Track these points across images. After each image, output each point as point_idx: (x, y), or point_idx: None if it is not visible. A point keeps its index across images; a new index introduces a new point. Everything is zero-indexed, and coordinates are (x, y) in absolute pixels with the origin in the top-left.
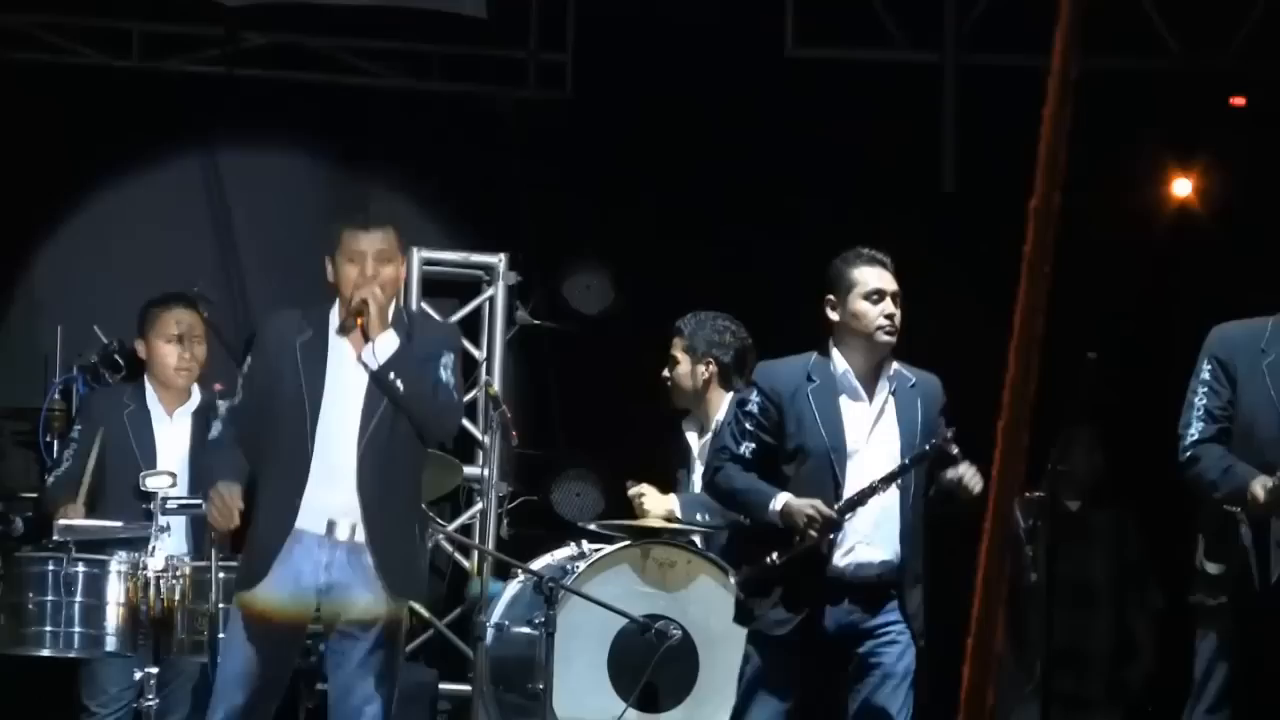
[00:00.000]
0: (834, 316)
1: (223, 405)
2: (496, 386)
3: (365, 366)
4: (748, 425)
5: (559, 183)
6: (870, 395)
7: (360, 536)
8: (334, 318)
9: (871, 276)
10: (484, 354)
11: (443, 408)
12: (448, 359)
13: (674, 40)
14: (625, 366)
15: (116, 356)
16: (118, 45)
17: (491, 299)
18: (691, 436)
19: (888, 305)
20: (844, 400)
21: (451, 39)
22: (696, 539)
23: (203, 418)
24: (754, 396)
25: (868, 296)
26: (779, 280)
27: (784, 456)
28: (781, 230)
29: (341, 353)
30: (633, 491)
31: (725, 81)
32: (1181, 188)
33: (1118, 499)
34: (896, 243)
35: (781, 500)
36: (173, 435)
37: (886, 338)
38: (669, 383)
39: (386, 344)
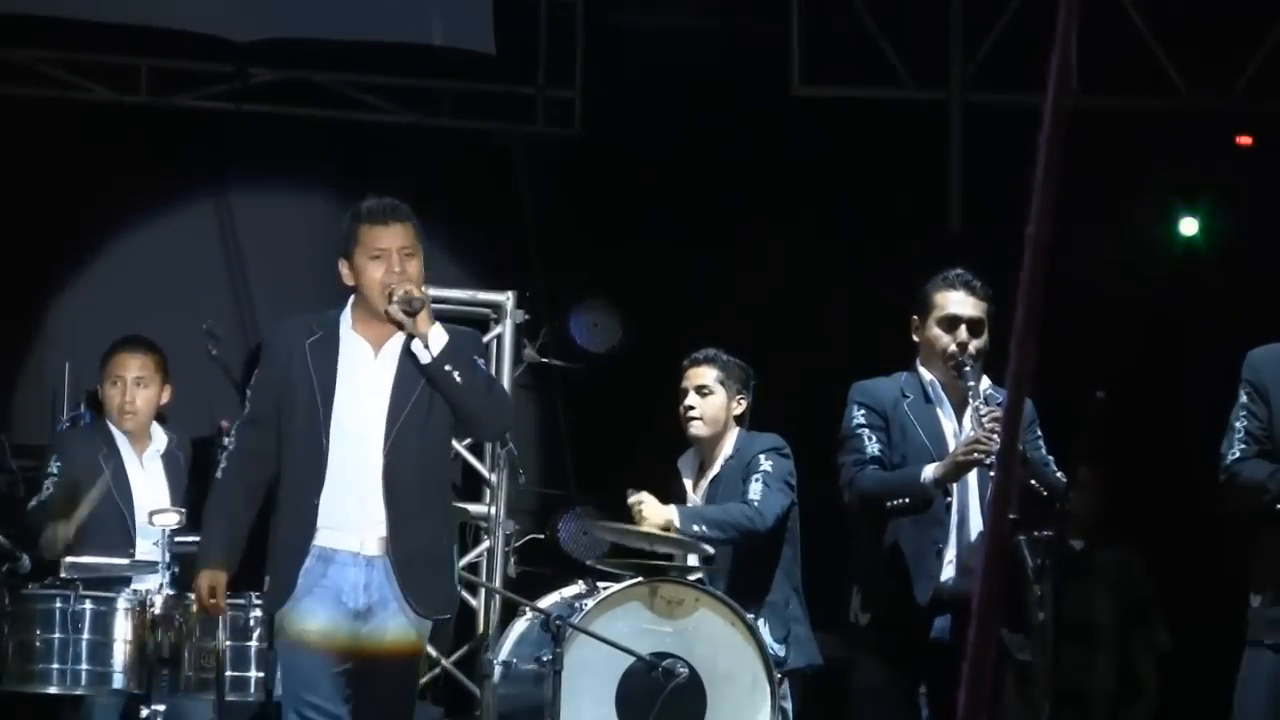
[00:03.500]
0: (915, 338)
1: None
2: None
3: (416, 361)
4: (867, 430)
5: (567, 220)
6: (960, 414)
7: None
8: (346, 319)
9: (950, 301)
10: None
11: (499, 397)
12: (479, 358)
13: (682, 78)
14: (632, 405)
15: None
16: (126, 81)
17: (499, 337)
18: (688, 483)
19: (961, 333)
20: (939, 413)
21: (461, 75)
22: (703, 576)
23: (172, 461)
24: (857, 411)
25: (941, 322)
26: (786, 317)
27: (890, 468)
28: (789, 268)
29: (356, 351)
30: (632, 500)
31: (732, 119)
32: (1188, 226)
33: (1123, 538)
34: (903, 280)
35: (930, 468)
36: (145, 478)
37: (954, 366)
38: (691, 411)
39: (438, 337)
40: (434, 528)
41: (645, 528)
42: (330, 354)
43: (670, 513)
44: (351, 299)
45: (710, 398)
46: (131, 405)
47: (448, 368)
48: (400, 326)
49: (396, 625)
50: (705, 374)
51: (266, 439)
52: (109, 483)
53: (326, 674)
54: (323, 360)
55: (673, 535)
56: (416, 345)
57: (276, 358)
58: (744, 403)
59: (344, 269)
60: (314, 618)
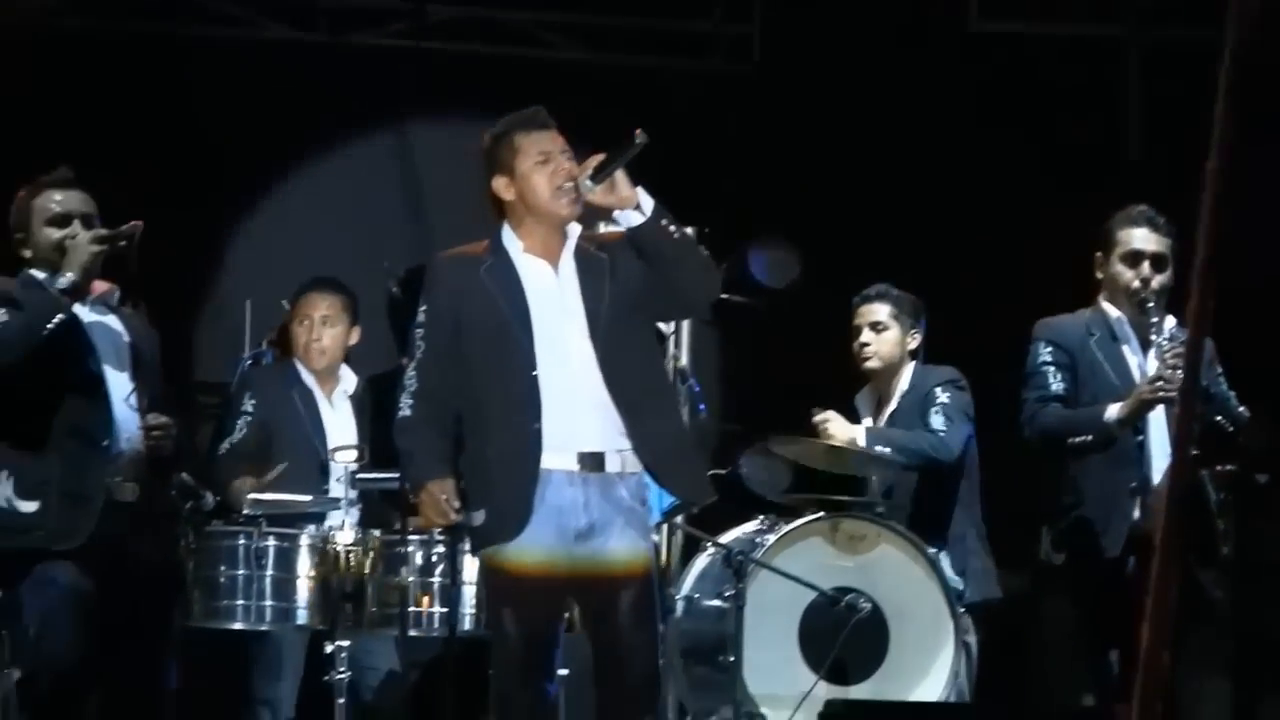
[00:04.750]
0: (1099, 274)
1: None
2: (685, 360)
3: (626, 226)
4: (1052, 367)
5: (743, 157)
6: (1146, 351)
7: (613, 467)
8: (512, 242)
9: (1133, 237)
10: (671, 328)
11: (704, 254)
12: None
13: (859, 12)
14: (811, 341)
15: None
16: (306, 19)
17: None
18: (866, 420)
19: (1145, 269)
20: (1125, 349)
21: (637, 11)
22: (883, 510)
23: (360, 402)
24: (1042, 348)
25: (1124, 258)
26: (963, 255)
27: (1077, 406)
28: (964, 203)
29: (537, 271)
30: (818, 417)
31: (910, 54)
32: None
33: None
34: (1085, 215)
35: (1114, 407)
36: (335, 417)
37: (1138, 302)
38: (867, 347)
39: (645, 196)
40: (670, 416)
41: (832, 440)
42: (511, 279)
43: (856, 431)
44: (505, 224)
45: (885, 333)
46: (319, 343)
47: (664, 221)
48: (604, 208)
49: (623, 544)
50: (878, 310)
51: (448, 375)
52: (303, 418)
53: (544, 633)
54: (507, 287)
55: (858, 450)
56: (625, 215)
57: (447, 290)
58: (918, 337)
59: (501, 185)
60: (533, 546)
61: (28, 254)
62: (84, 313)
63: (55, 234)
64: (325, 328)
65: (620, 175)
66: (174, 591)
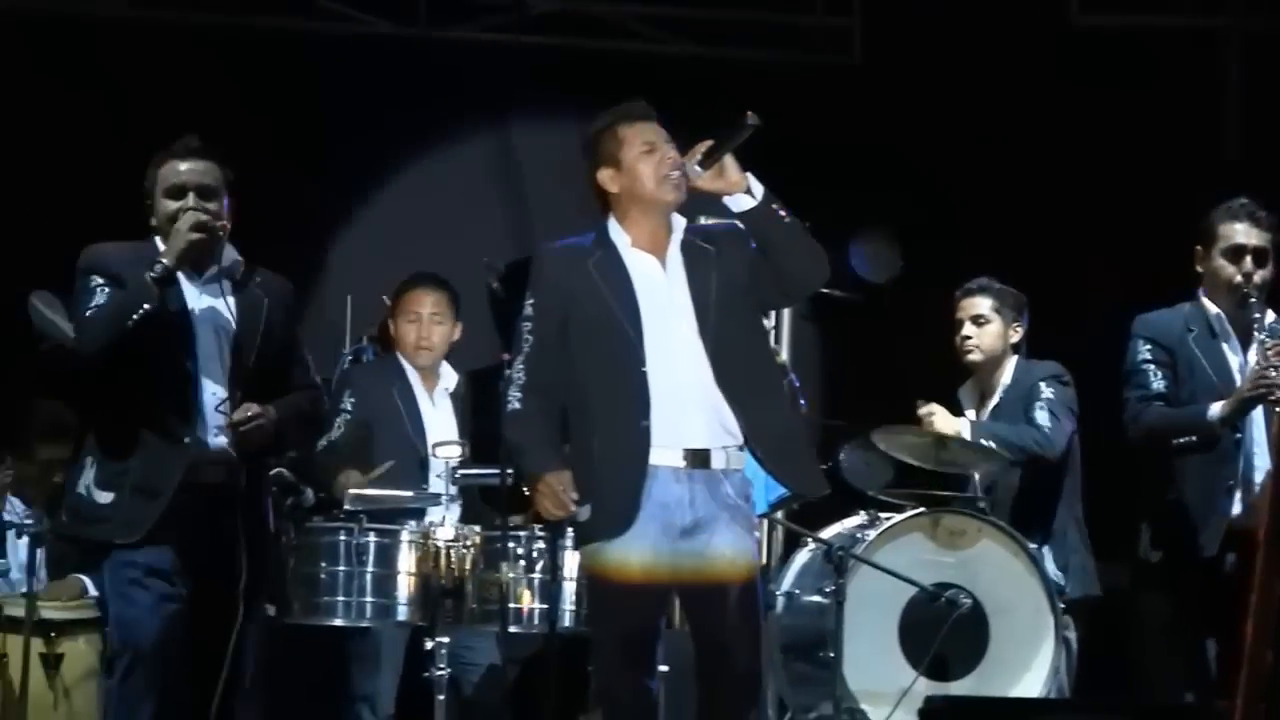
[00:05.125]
0: (1199, 269)
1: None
2: (784, 355)
3: (736, 211)
4: (1152, 365)
5: (846, 150)
6: (1246, 347)
7: (718, 463)
8: (619, 236)
9: (1235, 232)
10: (772, 322)
11: (811, 237)
12: None
13: (960, 6)
14: (911, 335)
15: None
16: (406, 13)
17: None
18: (969, 413)
19: (1247, 264)
20: (1225, 347)
21: (736, 4)
22: (985, 506)
23: (460, 399)
24: (1141, 346)
25: (1225, 253)
26: (1064, 249)
27: (1177, 403)
28: (1066, 198)
29: (645, 267)
30: (923, 411)
31: (1010, 48)
32: None
33: None
34: (1179, 212)
35: (1216, 406)
36: (436, 415)
37: (1239, 297)
38: (969, 341)
39: (754, 180)
40: (781, 408)
41: (938, 429)
42: (620, 275)
43: (960, 424)
44: (611, 218)
45: (987, 326)
46: (428, 341)
47: (774, 205)
48: (712, 194)
49: (728, 540)
50: (980, 304)
51: (556, 368)
52: (403, 416)
53: (646, 629)
54: (616, 282)
55: (963, 442)
56: (735, 200)
57: (555, 284)
58: (1020, 330)
59: (607, 177)
60: (638, 542)
61: (154, 222)
62: (193, 295)
63: (171, 205)
64: (435, 325)
65: (729, 159)
66: (261, 576)
